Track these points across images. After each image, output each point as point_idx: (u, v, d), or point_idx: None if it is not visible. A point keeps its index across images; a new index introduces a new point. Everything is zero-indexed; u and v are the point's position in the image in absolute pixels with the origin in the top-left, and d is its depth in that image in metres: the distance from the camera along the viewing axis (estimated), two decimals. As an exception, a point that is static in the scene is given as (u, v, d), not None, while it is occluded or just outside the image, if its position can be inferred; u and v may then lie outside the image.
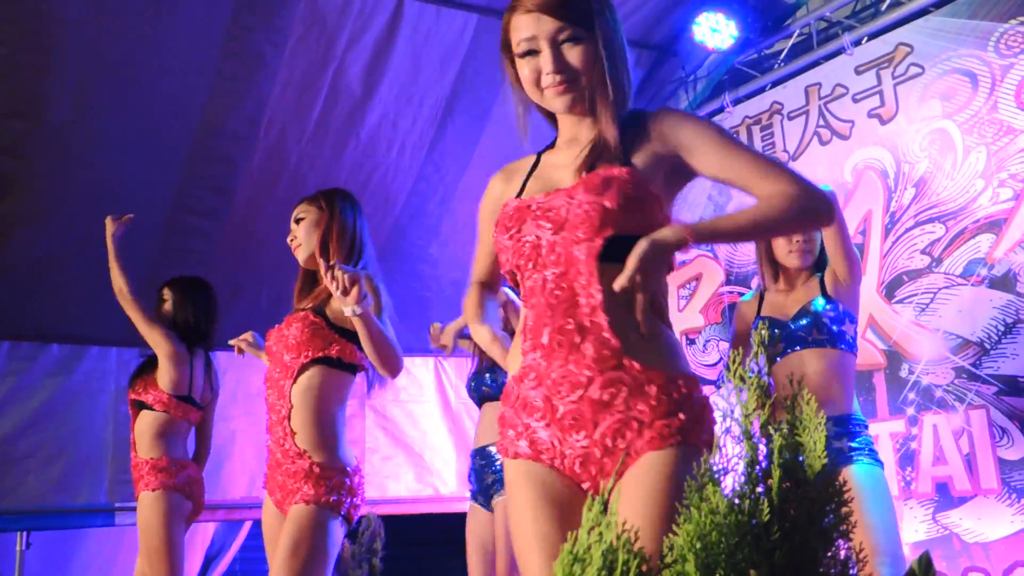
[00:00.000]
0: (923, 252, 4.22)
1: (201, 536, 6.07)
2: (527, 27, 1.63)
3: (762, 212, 1.56)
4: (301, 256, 2.75)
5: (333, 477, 2.53)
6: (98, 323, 5.03)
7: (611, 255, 1.53)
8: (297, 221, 2.75)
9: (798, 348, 2.98)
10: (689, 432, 1.48)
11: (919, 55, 4.37)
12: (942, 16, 4.31)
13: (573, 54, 1.62)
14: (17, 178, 4.48)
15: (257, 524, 6.35)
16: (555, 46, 1.62)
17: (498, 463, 3.96)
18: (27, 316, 4.87)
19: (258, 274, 5.08)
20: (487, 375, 4.06)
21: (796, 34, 5.02)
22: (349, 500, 2.56)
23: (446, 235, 5.72)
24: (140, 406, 3.83)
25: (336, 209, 2.72)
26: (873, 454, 2.93)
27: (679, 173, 1.65)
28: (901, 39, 4.47)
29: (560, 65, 1.61)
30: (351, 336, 2.59)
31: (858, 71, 4.65)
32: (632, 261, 1.45)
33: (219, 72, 4.52)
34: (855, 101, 4.66)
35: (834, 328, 2.95)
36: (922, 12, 4.39)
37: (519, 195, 1.71)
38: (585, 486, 1.54)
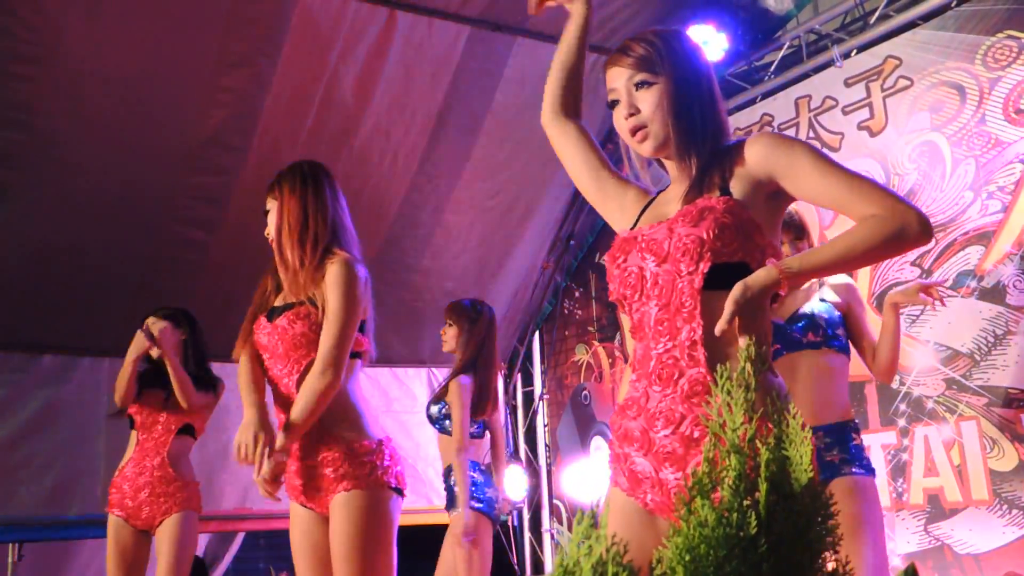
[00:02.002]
0: (913, 264, 4.25)
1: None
2: (610, 80, 1.77)
3: (851, 242, 1.58)
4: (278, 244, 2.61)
5: (373, 451, 2.45)
6: (90, 333, 5.03)
7: (714, 284, 1.58)
8: (266, 214, 2.65)
9: (793, 351, 2.93)
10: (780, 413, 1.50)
11: (908, 68, 4.41)
12: (930, 29, 4.34)
13: (643, 98, 1.73)
14: (9, 188, 4.48)
15: (249, 536, 6.36)
16: (630, 93, 1.74)
17: (451, 480, 4.04)
18: (19, 327, 4.87)
19: (251, 285, 5.05)
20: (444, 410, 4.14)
21: (786, 47, 5.05)
22: (394, 469, 2.48)
23: (438, 245, 5.74)
24: (189, 431, 3.94)
25: (285, 198, 2.57)
26: (864, 462, 2.87)
27: (778, 196, 1.69)
28: (890, 52, 4.50)
29: (631, 110, 1.73)
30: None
31: (847, 83, 4.68)
32: (728, 306, 1.50)
33: (212, 82, 4.53)
34: (844, 113, 4.69)
35: (829, 331, 2.92)
36: (910, 25, 4.43)
37: (633, 227, 1.78)
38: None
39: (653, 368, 1.61)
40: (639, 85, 1.72)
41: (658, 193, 1.84)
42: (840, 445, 2.85)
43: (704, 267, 1.57)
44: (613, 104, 1.76)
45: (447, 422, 4.11)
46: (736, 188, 1.65)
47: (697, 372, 1.56)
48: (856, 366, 3.05)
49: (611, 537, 0.80)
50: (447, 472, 4.13)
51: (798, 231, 3.08)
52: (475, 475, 4.07)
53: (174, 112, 4.57)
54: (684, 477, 1.54)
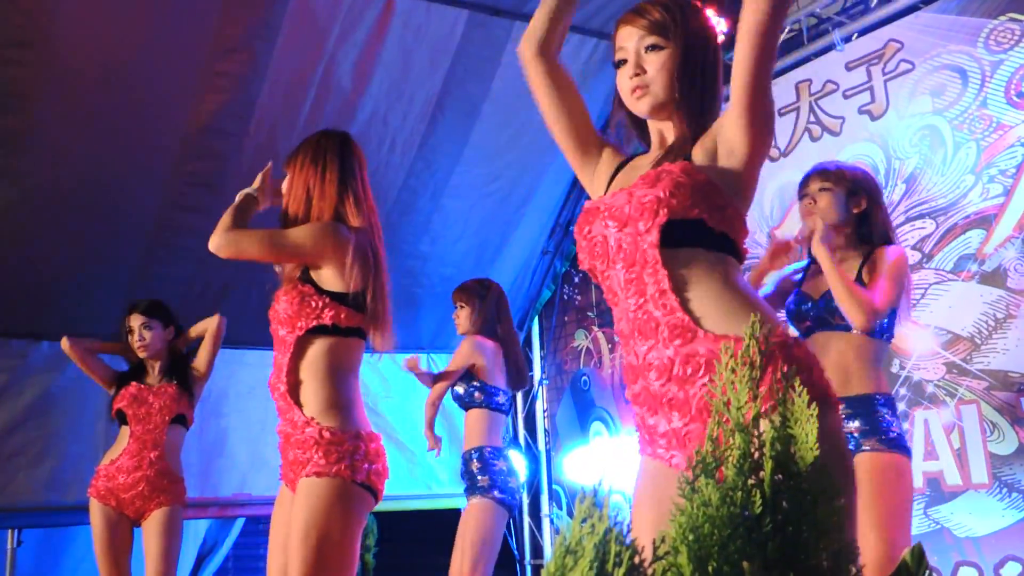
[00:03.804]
0: (914, 248, 4.23)
1: (193, 534, 6.06)
2: (620, 39, 1.80)
3: None
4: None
5: (345, 443, 2.35)
6: (89, 320, 5.01)
7: (672, 240, 1.63)
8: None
9: (822, 330, 2.83)
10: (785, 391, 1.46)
11: (909, 51, 4.38)
12: (932, 12, 4.32)
13: (651, 60, 1.77)
14: (6, 175, 4.46)
15: (249, 522, 6.37)
16: (638, 53, 1.78)
17: (471, 466, 4.03)
18: (17, 313, 4.86)
19: (248, 272, 5.06)
20: (468, 383, 4.15)
21: (787, 31, 5.02)
22: (367, 466, 2.37)
23: (436, 231, 5.72)
24: (181, 421, 4.00)
25: (297, 169, 2.60)
26: (888, 437, 2.70)
27: (731, 156, 1.70)
28: (891, 35, 4.48)
29: (637, 70, 1.77)
30: (342, 299, 2.45)
31: (848, 67, 4.66)
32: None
33: (209, 68, 4.51)
34: (845, 97, 4.67)
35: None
36: (912, 8, 4.40)
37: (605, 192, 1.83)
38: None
39: (632, 327, 1.65)
40: (649, 48, 1.76)
41: (631, 157, 1.89)
42: (863, 417, 2.72)
43: (660, 220, 1.61)
44: (620, 63, 1.80)
45: (477, 395, 4.09)
46: (697, 155, 1.71)
47: (672, 317, 1.59)
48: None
49: (606, 515, 0.79)
50: (468, 456, 4.09)
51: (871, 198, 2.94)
52: (500, 463, 4.05)
53: (170, 98, 4.55)
54: (690, 419, 1.56)
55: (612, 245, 1.69)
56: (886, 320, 2.81)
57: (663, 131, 1.82)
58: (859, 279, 2.83)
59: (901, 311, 2.90)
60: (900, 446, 2.73)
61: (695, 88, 1.76)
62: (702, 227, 1.64)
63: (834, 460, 1.41)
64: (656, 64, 1.75)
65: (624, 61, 1.78)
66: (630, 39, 1.77)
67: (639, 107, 1.79)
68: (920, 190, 4.26)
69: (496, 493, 3.96)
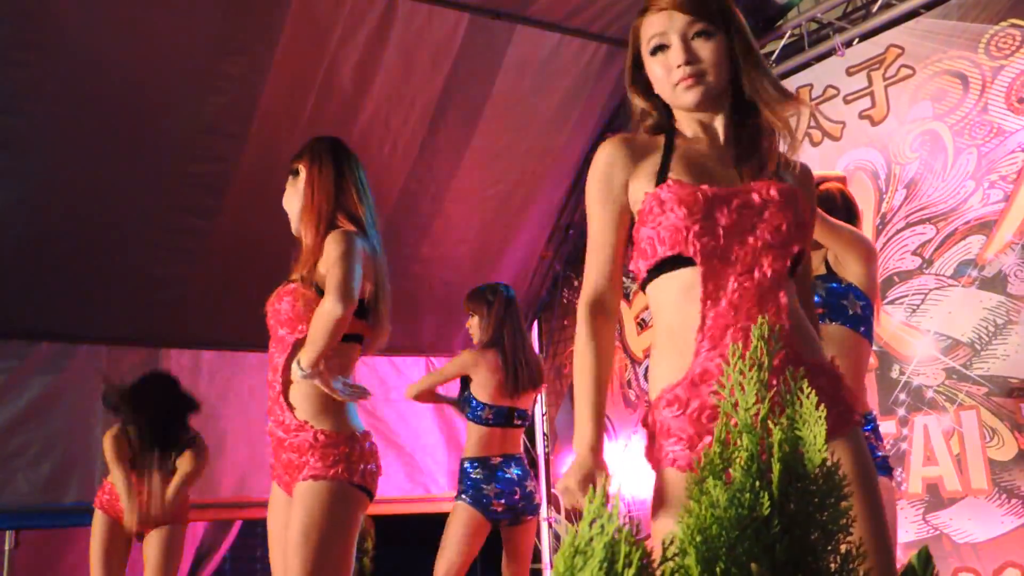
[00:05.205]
0: (914, 253, 4.23)
1: (191, 536, 6.05)
2: (659, 24, 1.64)
3: None
4: (292, 225, 2.66)
5: (340, 444, 2.36)
6: (88, 321, 5.01)
7: (791, 269, 1.61)
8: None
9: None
10: (852, 417, 1.58)
11: (910, 56, 4.39)
12: (932, 18, 4.32)
13: (704, 48, 1.62)
14: (7, 175, 4.46)
15: (247, 524, 6.35)
16: (685, 40, 1.62)
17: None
18: (16, 314, 4.85)
19: (250, 273, 5.07)
20: (460, 394, 4.21)
21: (788, 36, 5.03)
22: (362, 466, 2.39)
23: (438, 235, 5.72)
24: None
25: (311, 173, 2.60)
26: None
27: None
28: (892, 41, 4.48)
29: (690, 57, 1.61)
30: None
31: (849, 72, 4.67)
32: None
33: (211, 70, 4.50)
34: (846, 102, 4.67)
35: (832, 301, 2.64)
36: (912, 14, 4.41)
37: (661, 178, 1.62)
38: None
39: (734, 338, 1.52)
40: (698, 34, 1.62)
41: (668, 138, 1.70)
42: None
43: (793, 250, 1.59)
44: (659, 49, 1.64)
45: (465, 408, 4.12)
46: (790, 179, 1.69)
47: (785, 337, 1.53)
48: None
49: (615, 515, 0.79)
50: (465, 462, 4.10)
51: (849, 216, 2.83)
52: (476, 472, 4.04)
53: (172, 99, 4.55)
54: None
55: (735, 246, 1.57)
56: (858, 312, 2.69)
57: (712, 124, 1.69)
58: (829, 270, 2.76)
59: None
60: (885, 468, 2.75)
61: (752, 81, 1.64)
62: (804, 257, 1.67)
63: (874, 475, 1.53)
64: (711, 52, 1.61)
65: (664, 47, 1.63)
66: (671, 23, 1.61)
67: (686, 98, 1.63)
68: (920, 195, 4.26)
69: (465, 497, 3.99)
